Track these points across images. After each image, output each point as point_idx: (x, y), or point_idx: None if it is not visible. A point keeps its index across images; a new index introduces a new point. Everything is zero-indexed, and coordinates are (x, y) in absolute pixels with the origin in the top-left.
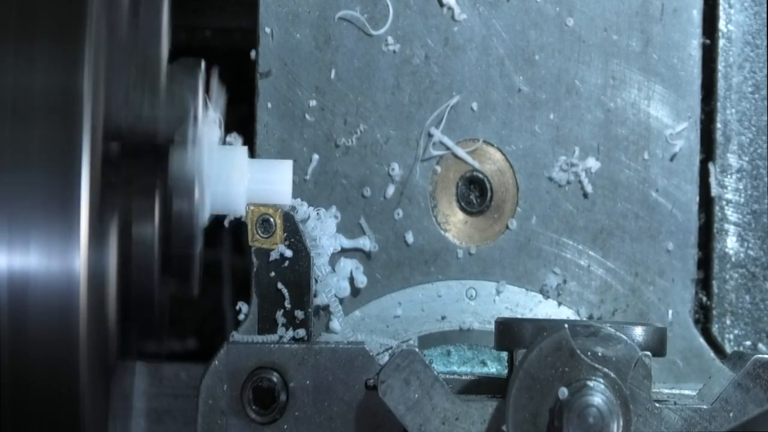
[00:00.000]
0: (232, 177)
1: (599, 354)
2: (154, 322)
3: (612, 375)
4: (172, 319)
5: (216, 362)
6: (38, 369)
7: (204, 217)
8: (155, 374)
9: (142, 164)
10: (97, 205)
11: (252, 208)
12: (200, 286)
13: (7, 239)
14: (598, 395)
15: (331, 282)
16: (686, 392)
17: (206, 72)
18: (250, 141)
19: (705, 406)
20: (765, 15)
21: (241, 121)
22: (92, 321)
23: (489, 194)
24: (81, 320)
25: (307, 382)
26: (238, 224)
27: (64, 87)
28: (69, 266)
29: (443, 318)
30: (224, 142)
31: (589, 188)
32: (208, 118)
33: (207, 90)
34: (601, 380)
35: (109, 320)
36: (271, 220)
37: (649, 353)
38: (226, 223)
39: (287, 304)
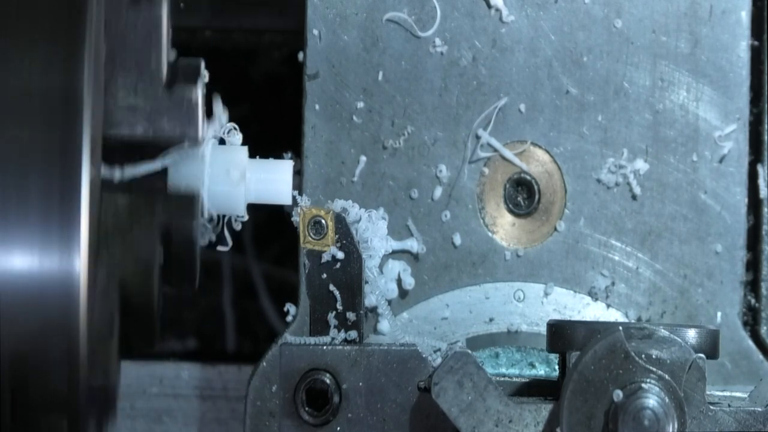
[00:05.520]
0: (232, 177)
1: (653, 356)
2: (153, 323)
3: (666, 377)
4: (172, 319)
5: (264, 363)
6: (37, 370)
7: (204, 217)
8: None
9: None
10: (97, 206)
11: (304, 210)
12: (199, 283)
13: (7, 239)
14: (653, 397)
15: (379, 284)
16: (737, 394)
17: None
18: (250, 141)
19: (759, 409)
20: None
21: (241, 121)
22: (92, 321)
23: (537, 196)
24: (81, 320)
25: (360, 383)
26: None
27: (64, 87)
28: (69, 267)
29: (491, 320)
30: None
31: (637, 190)
32: (211, 120)
33: (208, 91)
34: (656, 383)
35: (108, 321)
36: (323, 221)
37: (702, 356)
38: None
39: (339, 306)
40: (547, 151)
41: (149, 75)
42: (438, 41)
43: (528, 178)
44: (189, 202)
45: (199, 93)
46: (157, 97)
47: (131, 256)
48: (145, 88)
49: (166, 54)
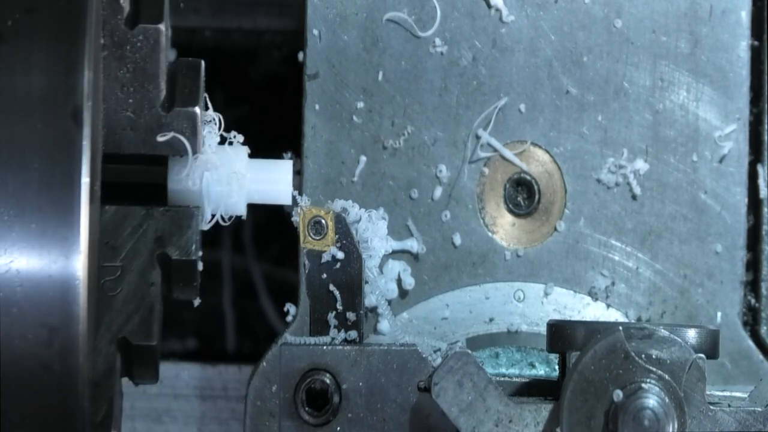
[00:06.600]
0: (232, 177)
1: (653, 356)
2: (152, 324)
3: (666, 377)
4: (173, 319)
5: (264, 363)
6: (35, 373)
7: (204, 221)
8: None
9: (142, 170)
10: (97, 208)
11: (304, 210)
12: (199, 288)
13: (7, 239)
14: (653, 397)
15: (379, 283)
16: (737, 394)
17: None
18: (250, 141)
19: (759, 409)
20: None
21: (241, 121)
22: (92, 322)
23: (537, 196)
24: (81, 321)
25: (360, 383)
26: (238, 224)
27: (64, 87)
28: (69, 267)
29: (491, 320)
30: (224, 143)
31: (637, 190)
32: (208, 119)
33: (208, 91)
34: (656, 383)
35: (107, 323)
36: (323, 221)
37: (702, 356)
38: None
39: (339, 306)
40: (547, 151)
41: (148, 85)
42: (438, 41)
43: (528, 178)
44: (188, 215)
45: (199, 103)
46: (155, 109)
47: (132, 302)
48: (143, 100)
49: (165, 63)
